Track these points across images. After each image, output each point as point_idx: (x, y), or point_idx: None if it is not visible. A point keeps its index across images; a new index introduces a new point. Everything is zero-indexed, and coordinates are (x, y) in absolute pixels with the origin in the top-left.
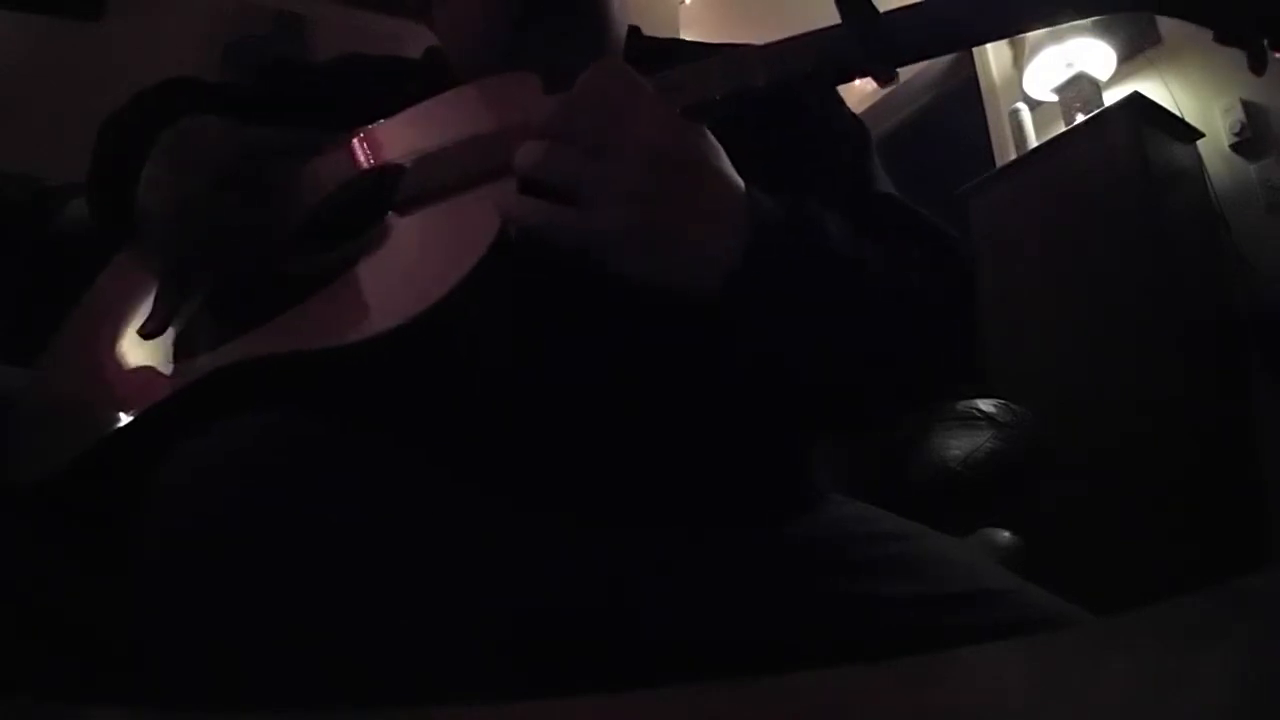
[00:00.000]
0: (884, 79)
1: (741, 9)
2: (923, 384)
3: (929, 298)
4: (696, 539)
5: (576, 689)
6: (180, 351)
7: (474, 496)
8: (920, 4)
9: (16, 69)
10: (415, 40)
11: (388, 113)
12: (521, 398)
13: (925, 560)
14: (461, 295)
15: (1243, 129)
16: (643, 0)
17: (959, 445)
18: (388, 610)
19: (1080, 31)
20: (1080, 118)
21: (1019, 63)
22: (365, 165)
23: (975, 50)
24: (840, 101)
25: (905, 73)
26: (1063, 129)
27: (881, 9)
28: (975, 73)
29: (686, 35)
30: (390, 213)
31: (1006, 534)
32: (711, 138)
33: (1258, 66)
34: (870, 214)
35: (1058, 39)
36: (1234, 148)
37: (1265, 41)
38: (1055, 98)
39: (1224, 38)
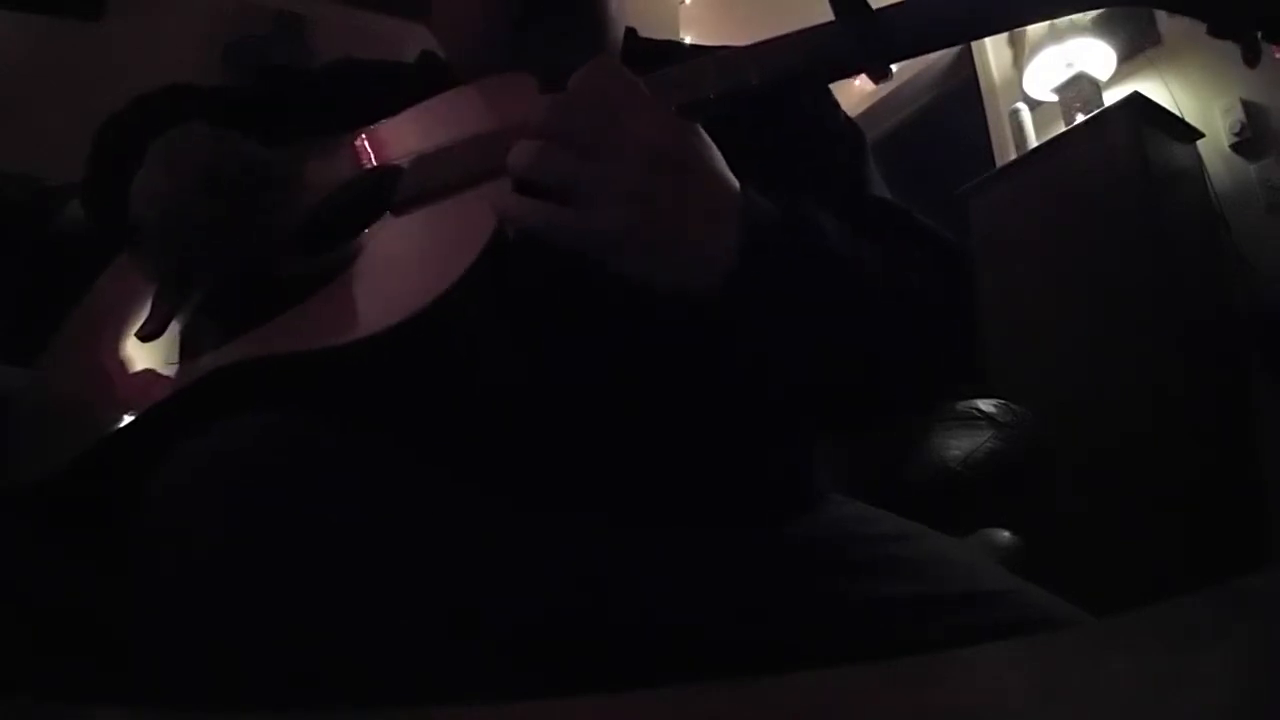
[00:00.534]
0: (879, 76)
1: (741, 9)
2: (923, 384)
3: (929, 298)
4: (696, 539)
5: (576, 689)
6: (183, 352)
7: (474, 496)
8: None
9: (16, 69)
10: (415, 40)
11: (384, 116)
12: (521, 397)
13: (925, 560)
14: (459, 294)
15: (1243, 129)
16: (642, 0)
17: (959, 445)
18: (388, 610)
19: (1080, 31)
20: (1080, 118)
21: (1019, 63)
22: (363, 166)
23: (975, 50)
24: (835, 104)
25: (905, 73)
26: (1063, 129)
27: (875, 5)
28: (975, 73)
29: (686, 35)
30: (388, 213)
31: (1006, 534)
32: (706, 137)
33: (1251, 59)
34: (866, 216)
35: (1058, 39)
36: (1234, 148)
37: (1259, 34)
38: (1055, 98)
39: (1218, 31)
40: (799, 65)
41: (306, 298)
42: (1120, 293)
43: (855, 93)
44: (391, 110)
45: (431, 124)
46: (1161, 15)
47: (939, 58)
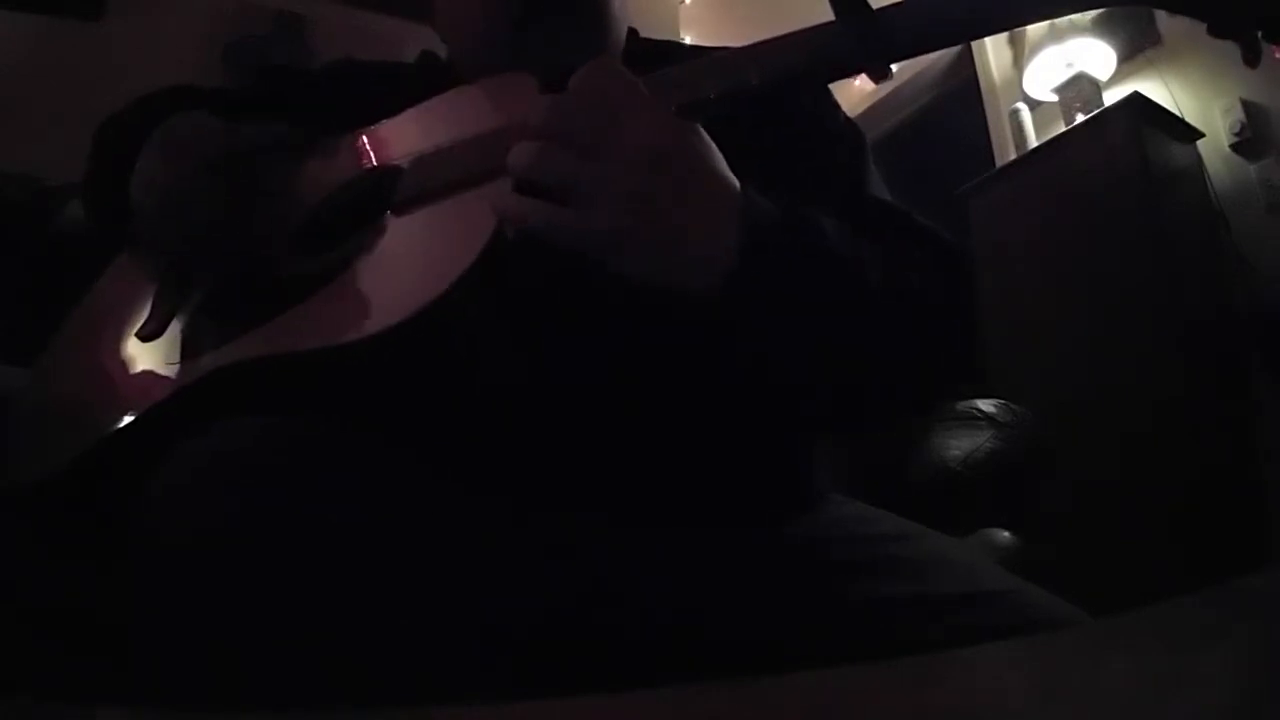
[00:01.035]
0: (879, 76)
1: (741, 9)
2: (923, 384)
3: (928, 298)
4: (696, 539)
5: (576, 689)
6: (183, 352)
7: (474, 496)
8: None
9: (16, 69)
10: (415, 40)
11: (383, 116)
12: (520, 397)
13: (925, 560)
14: (459, 294)
15: (1243, 129)
16: (643, 0)
17: (959, 445)
18: (388, 610)
19: (1080, 31)
20: (1080, 118)
21: (1019, 63)
22: (363, 166)
23: (975, 50)
24: (835, 104)
25: (905, 73)
26: (1063, 129)
27: (875, 5)
28: (975, 73)
29: (686, 35)
30: (388, 213)
31: (1006, 534)
32: (706, 137)
33: (1251, 59)
34: (866, 217)
35: (1058, 39)
36: (1234, 148)
37: (1259, 34)
38: (1055, 98)
39: (1218, 30)
40: (799, 65)
41: (306, 298)
42: (1120, 293)
43: (855, 93)
44: (391, 110)
45: (431, 124)
46: (1161, 15)
47: (939, 58)
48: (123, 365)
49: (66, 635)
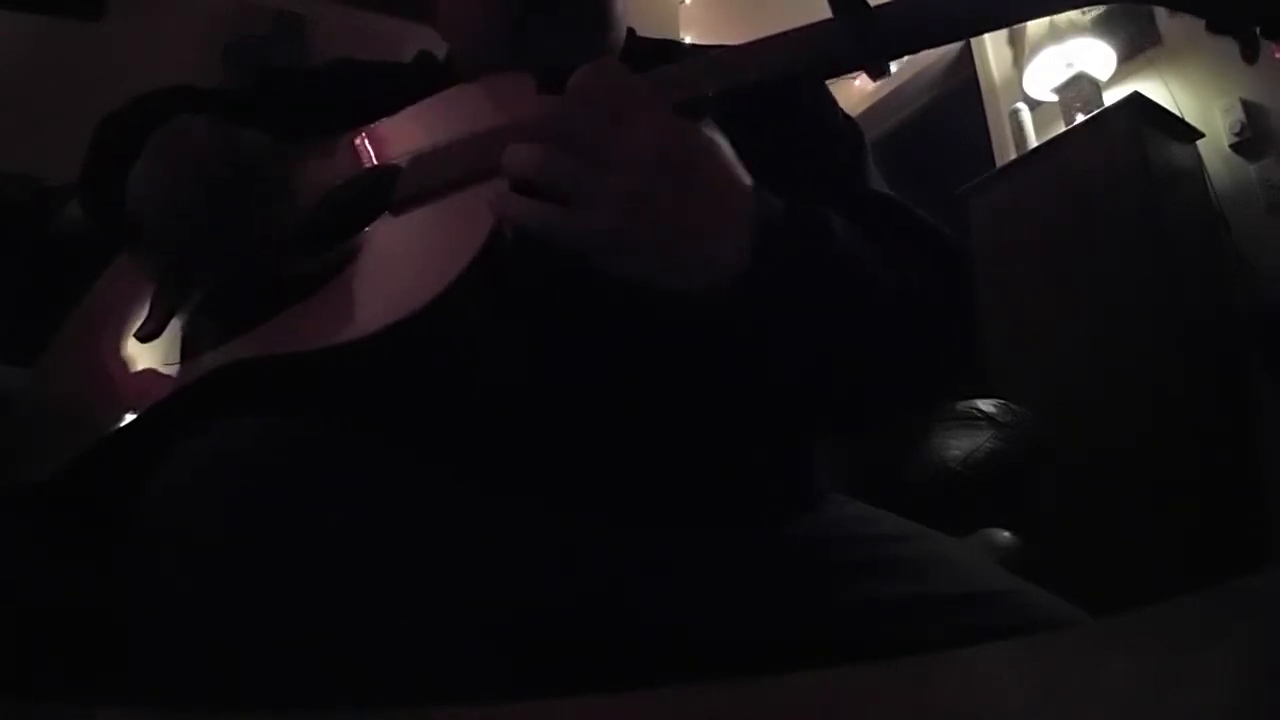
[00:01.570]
0: (877, 73)
1: (741, 9)
2: (923, 384)
3: (929, 298)
4: (696, 539)
5: (576, 689)
6: (183, 352)
7: (474, 496)
8: None
9: (16, 69)
10: (415, 40)
11: (381, 115)
12: (521, 397)
13: (925, 561)
14: (457, 293)
15: (1243, 129)
16: (643, 1)
17: (959, 445)
18: (388, 610)
19: (1080, 31)
20: (1080, 118)
21: (1019, 63)
22: (361, 165)
23: (975, 50)
24: (834, 102)
25: (905, 73)
26: (1063, 129)
27: (873, 3)
28: (975, 73)
29: (686, 35)
30: (387, 212)
31: (1006, 534)
32: (714, 136)
33: (1250, 55)
34: (867, 214)
35: (1058, 38)
36: (1234, 148)
37: (1258, 31)
38: (1055, 98)
39: (1217, 27)
40: (798, 63)
41: (306, 297)
42: (1120, 293)
43: (855, 92)
44: (390, 110)
45: (430, 123)
46: (1161, 15)
47: (939, 58)
48: (122, 365)
49: (66, 635)
